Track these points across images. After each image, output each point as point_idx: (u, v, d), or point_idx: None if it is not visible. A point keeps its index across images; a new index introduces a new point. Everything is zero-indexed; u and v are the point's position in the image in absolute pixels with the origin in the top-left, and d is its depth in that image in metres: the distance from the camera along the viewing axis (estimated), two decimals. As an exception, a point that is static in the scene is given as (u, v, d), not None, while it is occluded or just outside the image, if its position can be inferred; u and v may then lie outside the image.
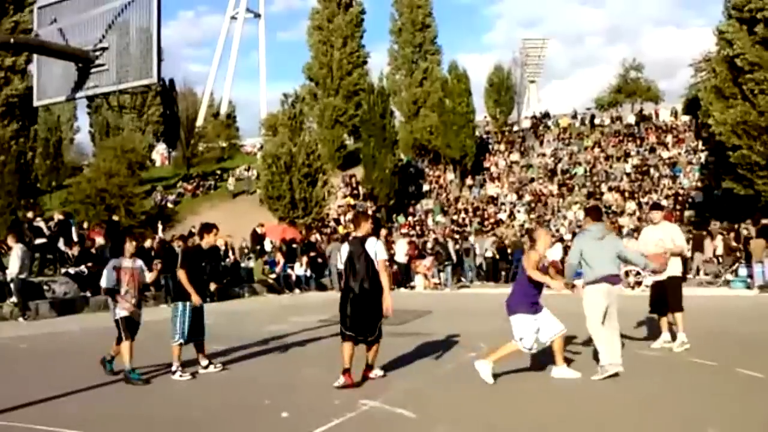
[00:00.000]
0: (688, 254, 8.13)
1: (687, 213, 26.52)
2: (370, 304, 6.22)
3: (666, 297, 8.07)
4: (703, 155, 30.66)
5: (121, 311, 6.52)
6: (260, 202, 32.63)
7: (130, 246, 6.74)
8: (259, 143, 48.24)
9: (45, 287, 13.65)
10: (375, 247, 6.23)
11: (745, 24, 20.84)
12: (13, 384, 6.59)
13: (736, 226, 20.06)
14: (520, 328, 6.31)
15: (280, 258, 19.67)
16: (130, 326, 6.51)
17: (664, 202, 27.80)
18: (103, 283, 6.64)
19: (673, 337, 8.12)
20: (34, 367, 7.63)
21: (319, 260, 21.09)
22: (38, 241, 15.31)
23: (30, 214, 16.77)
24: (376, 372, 6.53)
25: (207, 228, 7.23)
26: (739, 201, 22.34)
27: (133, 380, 6.35)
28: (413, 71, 39.07)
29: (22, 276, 12.33)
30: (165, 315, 8.20)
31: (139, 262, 6.84)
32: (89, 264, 14.68)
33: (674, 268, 8.07)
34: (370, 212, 31.26)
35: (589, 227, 6.96)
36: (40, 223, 16.24)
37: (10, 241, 12.92)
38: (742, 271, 17.60)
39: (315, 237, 23.89)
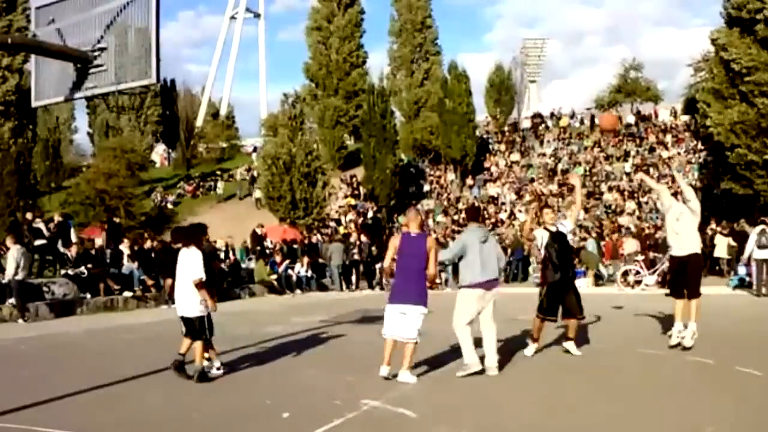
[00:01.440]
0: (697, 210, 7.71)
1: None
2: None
3: (686, 277, 7.54)
4: (702, 155, 30.65)
5: (205, 308, 6.46)
6: (256, 203, 32.54)
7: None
8: (252, 145, 48.16)
9: (44, 288, 13.63)
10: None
11: (745, 24, 20.79)
12: (13, 386, 6.57)
13: (734, 225, 20.04)
14: (420, 321, 6.31)
15: (279, 258, 19.67)
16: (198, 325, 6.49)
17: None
18: (203, 273, 6.40)
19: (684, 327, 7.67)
20: (33, 368, 7.61)
21: (320, 260, 21.10)
22: (38, 242, 15.29)
23: (29, 215, 16.76)
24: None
25: (202, 229, 7.12)
26: (739, 200, 22.33)
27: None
28: (413, 71, 39.04)
29: (19, 278, 12.30)
30: (166, 316, 8.17)
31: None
32: (89, 265, 14.66)
33: (694, 244, 7.63)
34: (370, 213, 31.31)
35: (473, 227, 6.86)
36: (39, 224, 16.23)
37: (9, 242, 12.90)
38: (741, 270, 17.61)
39: (316, 237, 23.89)
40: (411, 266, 6.30)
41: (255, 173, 38.90)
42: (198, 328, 6.43)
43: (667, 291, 7.93)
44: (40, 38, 7.47)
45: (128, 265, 15.56)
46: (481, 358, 6.55)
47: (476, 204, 25.33)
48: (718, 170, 24.08)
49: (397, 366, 6.28)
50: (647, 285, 16.98)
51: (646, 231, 21.87)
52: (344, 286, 20.19)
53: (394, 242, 6.49)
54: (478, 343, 6.70)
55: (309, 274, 20.02)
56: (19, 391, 6.15)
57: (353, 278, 20.78)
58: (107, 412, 5.50)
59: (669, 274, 7.93)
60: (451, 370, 7.01)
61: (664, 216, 8.07)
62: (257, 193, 33.56)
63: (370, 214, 31.37)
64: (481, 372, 6.44)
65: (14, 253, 12.30)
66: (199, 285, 6.35)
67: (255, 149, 47.75)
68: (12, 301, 12.49)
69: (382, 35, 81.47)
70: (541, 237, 7.48)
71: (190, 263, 6.45)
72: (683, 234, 7.66)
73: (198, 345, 6.42)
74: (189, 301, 6.47)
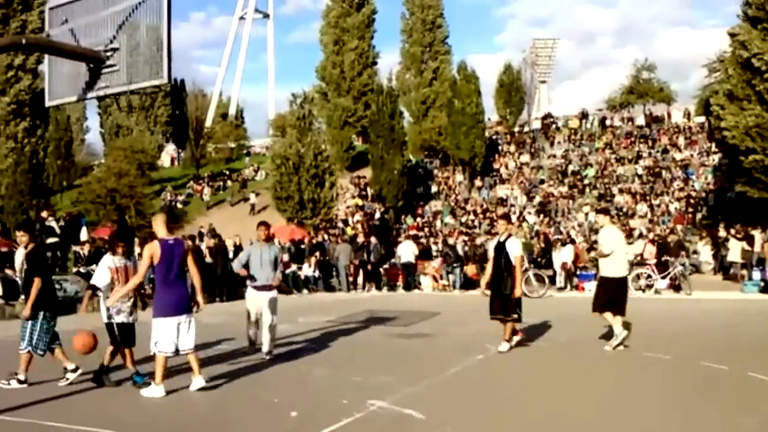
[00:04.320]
0: (603, 252, 8.53)
1: (699, 216, 26.31)
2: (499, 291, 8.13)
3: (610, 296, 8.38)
4: (716, 157, 30.37)
5: (117, 316, 6.40)
6: (251, 210, 32.53)
7: (119, 247, 6.58)
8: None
9: (56, 286, 13.71)
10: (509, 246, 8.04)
11: (764, 23, 20.49)
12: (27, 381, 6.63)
13: (749, 229, 19.84)
14: (155, 332, 6.03)
15: (286, 258, 19.66)
16: (124, 332, 6.42)
17: (675, 205, 27.60)
18: (97, 282, 6.48)
19: (610, 336, 8.38)
20: (45, 364, 7.66)
21: (327, 259, 21.08)
22: (50, 240, 15.43)
23: (45, 214, 16.92)
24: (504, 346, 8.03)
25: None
26: (753, 204, 22.10)
27: (137, 382, 6.33)
28: (423, 71, 38.96)
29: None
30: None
31: (134, 260, 6.74)
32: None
33: (609, 268, 8.43)
34: (378, 214, 31.32)
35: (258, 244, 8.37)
36: (52, 222, 16.38)
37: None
38: (756, 275, 17.44)
39: (322, 237, 23.89)
40: (172, 275, 6.06)
41: (247, 178, 38.79)
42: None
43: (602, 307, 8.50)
44: (54, 38, 7.52)
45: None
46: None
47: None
48: (733, 173, 23.84)
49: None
50: (659, 289, 16.84)
51: (652, 235, 21.64)
52: (351, 287, 20.19)
53: (153, 251, 6.03)
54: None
55: (316, 274, 20.03)
56: (30, 386, 6.21)
57: (360, 279, 20.76)
58: (118, 407, 5.54)
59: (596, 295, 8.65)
60: (460, 372, 7.00)
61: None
62: (253, 198, 33.59)
63: (377, 215, 31.36)
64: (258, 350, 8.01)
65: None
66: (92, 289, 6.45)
67: (248, 153, 47.84)
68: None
69: (390, 35, 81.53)
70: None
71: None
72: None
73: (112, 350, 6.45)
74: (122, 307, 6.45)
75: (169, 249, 6.07)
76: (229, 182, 38.69)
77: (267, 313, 7.97)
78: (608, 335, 9.23)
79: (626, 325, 8.44)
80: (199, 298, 6.30)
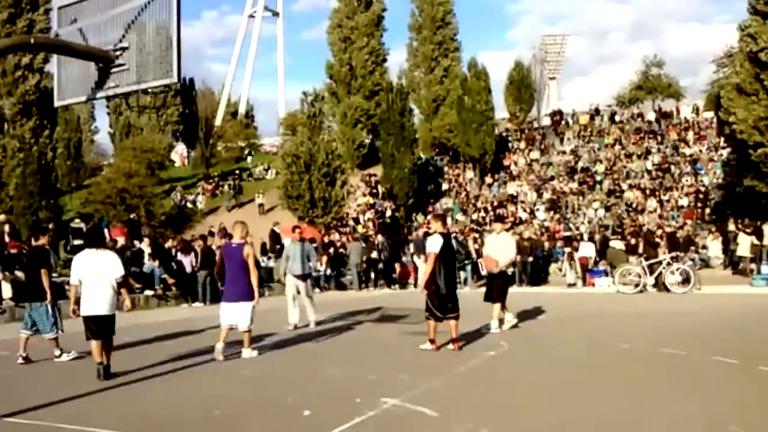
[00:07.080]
0: (510, 260, 10.12)
1: (708, 210, 26.12)
2: None
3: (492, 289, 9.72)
4: (725, 152, 30.12)
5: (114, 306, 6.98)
6: (259, 209, 32.54)
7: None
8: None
9: (66, 287, 13.78)
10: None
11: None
12: (37, 383, 6.67)
13: (758, 223, 19.69)
14: (249, 312, 7.68)
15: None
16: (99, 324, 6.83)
17: (685, 200, 27.41)
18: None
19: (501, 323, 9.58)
20: (56, 365, 7.71)
21: (340, 254, 21.10)
22: (76, 242, 15.56)
23: (76, 219, 17.17)
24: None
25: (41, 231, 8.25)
26: (762, 198, 21.94)
27: None
28: (433, 68, 38.83)
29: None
30: (185, 314, 8.29)
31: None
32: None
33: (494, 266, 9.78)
34: (389, 212, 31.31)
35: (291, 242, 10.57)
36: (80, 225, 16.52)
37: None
38: (765, 269, 17.30)
39: (334, 236, 23.88)
40: (231, 271, 7.70)
41: (239, 184, 38.48)
42: (111, 326, 6.77)
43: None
44: (63, 38, 7.53)
45: (149, 264, 15.71)
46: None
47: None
48: (741, 168, 23.67)
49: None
50: (669, 284, 16.70)
51: (659, 231, 21.41)
52: (362, 285, 20.17)
53: (220, 253, 8.09)
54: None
55: (328, 272, 20.04)
56: (42, 388, 6.24)
57: (372, 277, 20.76)
58: (130, 408, 5.55)
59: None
60: (472, 369, 6.97)
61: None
62: (260, 199, 33.66)
63: (388, 213, 31.33)
64: (306, 325, 10.38)
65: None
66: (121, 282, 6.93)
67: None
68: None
69: (397, 31, 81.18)
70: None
71: (108, 263, 6.80)
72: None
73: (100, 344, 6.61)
74: (106, 299, 6.75)
75: (231, 251, 7.83)
76: (226, 187, 38.09)
77: (303, 294, 10.45)
78: (617, 332, 9.20)
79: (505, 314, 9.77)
80: (255, 293, 7.67)
